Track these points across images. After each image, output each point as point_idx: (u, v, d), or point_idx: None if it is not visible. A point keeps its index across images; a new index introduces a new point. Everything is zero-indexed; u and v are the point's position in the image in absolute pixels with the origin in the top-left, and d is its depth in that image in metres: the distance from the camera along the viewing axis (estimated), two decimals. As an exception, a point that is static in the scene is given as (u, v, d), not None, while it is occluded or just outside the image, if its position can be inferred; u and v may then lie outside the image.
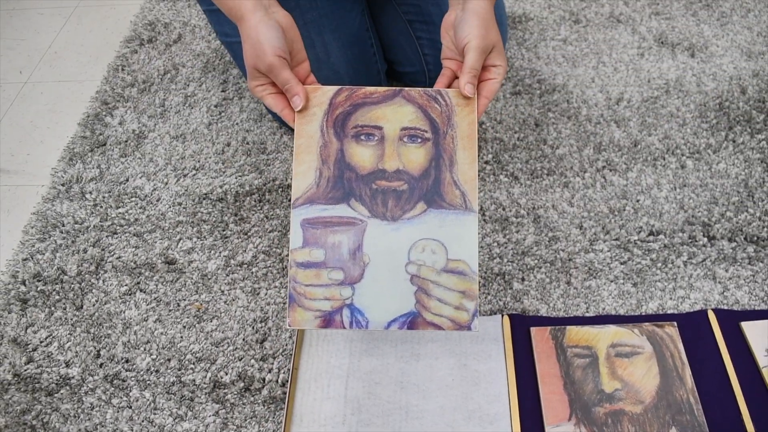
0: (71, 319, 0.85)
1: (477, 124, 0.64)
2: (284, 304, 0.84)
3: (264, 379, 0.77)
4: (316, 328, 0.62)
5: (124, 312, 0.85)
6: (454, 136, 0.64)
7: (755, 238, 0.87)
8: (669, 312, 0.80)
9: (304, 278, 0.62)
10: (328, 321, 0.62)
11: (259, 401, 0.75)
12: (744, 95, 1.06)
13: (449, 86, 0.67)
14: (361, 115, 0.64)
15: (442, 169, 0.63)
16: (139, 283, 0.88)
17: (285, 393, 0.75)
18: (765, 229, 0.87)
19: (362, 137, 0.64)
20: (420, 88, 0.65)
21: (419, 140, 0.63)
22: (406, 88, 0.65)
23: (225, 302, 0.85)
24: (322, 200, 0.63)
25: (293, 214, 0.63)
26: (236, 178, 0.99)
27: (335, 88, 0.65)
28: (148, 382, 0.78)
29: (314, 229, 0.63)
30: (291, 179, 0.98)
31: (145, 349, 0.81)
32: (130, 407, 0.76)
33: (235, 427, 0.74)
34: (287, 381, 0.76)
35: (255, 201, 0.96)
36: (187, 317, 0.84)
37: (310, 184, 0.63)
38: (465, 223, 0.62)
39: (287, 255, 0.89)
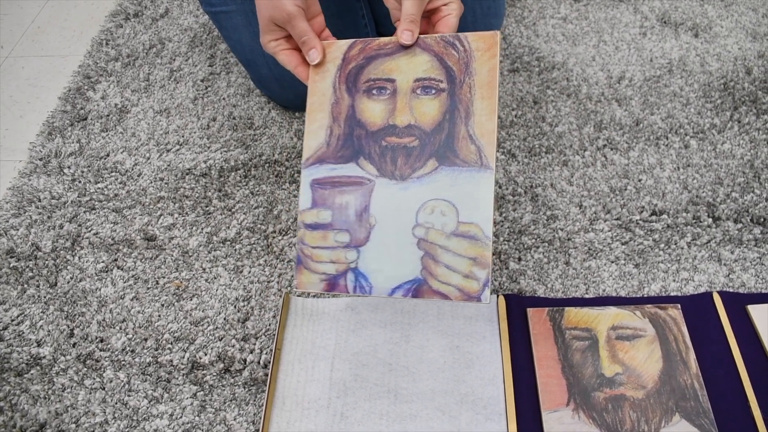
0: (44, 297, 0.80)
1: (498, 70, 0.59)
2: (268, 282, 0.80)
3: (245, 360, 0.73)
4: (321, 292, 0.60)
5: (99, 289, 0.81)
6: (471, 84, 0.59)
7: (762, 220, 0.83)
8: (672, 294, 0.76)
9: (312, 240, 0.60)
10: (332, 285, 0.59)
11: (240, 383, 0.71)
12: (749, 76, 1.02)
13: None
14: (374, 68, 0.61)
15: (457, 122, 0.58)
16: (116, 259, 0.83)
17: (267, 375, 0.71)
18: (772, 210, 0.84)
19: (374, 91, 0.60)
20: (437, 35, 0.61)
21: (433, 91, 0.59)
22: (422, 35, 0.61)
23: (206, 280, 0.80)
24: (331, 159, 0.60)
25: (303, 174, 0.60)
26: (221, 153, 0.95)
27: (350, 41, 0.62)
28: (122, 362, 0.74)
29: (323, 190, 0.60)
30: (278, 154, 0.94)
31: (120, 328, 0.77)
32: (104, 389, 0.72)
33: (213, 410, 0.69)
34: (269, 362, 0.72)
35: (240, 177, 0.91)
36: (166, 295, 0.79)
37: (320, 143, 0.61)
38: (479, 181, 0.57)
39: (272, 232, 0.85)
